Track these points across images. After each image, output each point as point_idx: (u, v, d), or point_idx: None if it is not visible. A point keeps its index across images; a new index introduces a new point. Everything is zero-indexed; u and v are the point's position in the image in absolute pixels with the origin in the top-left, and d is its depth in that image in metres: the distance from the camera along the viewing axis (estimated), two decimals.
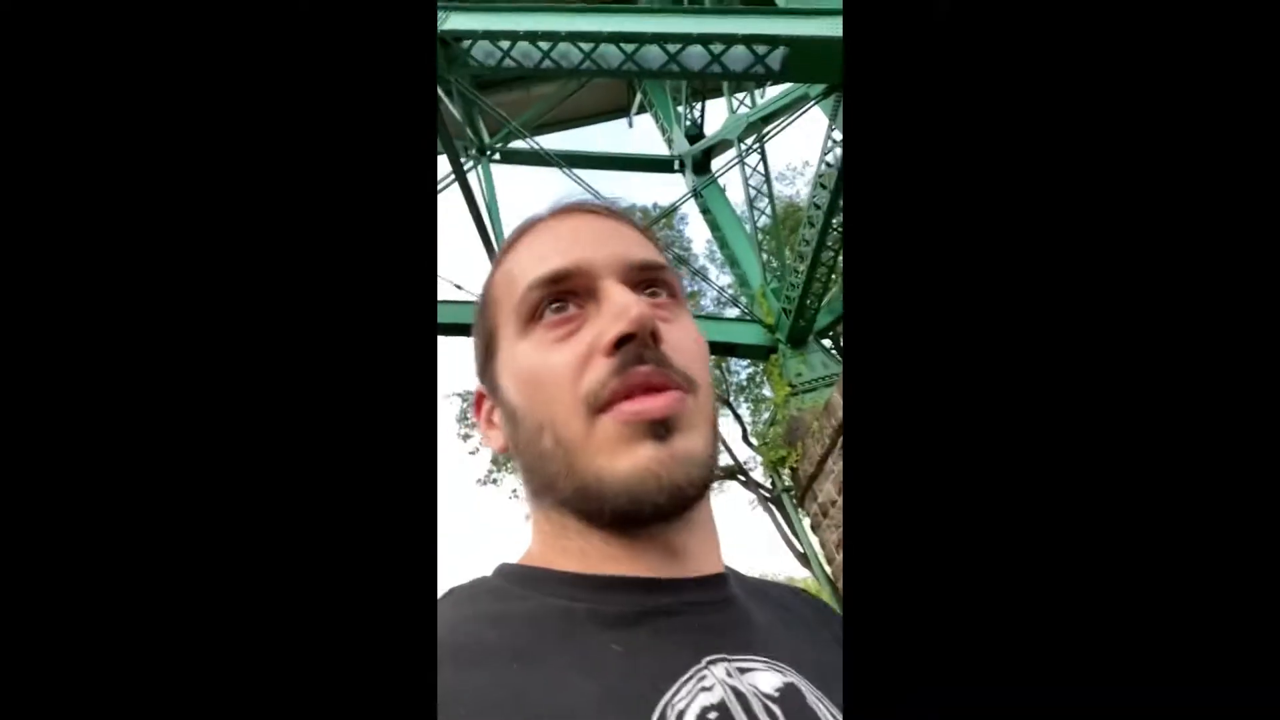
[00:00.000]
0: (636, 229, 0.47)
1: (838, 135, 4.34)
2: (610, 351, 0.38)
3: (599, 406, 0.38)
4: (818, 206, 4.64)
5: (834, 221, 4.59)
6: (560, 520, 0.41)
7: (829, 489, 4.28)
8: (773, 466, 5.66)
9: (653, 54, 3.73)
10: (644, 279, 0.44)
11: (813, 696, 0.35)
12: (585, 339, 0.40)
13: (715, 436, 0.41)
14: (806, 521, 5.43)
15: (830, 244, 4.78)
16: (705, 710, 0.32)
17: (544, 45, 3.84)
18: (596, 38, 3.74)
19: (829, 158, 4.31)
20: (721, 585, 0.41)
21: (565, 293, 0.41)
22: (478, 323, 0.47)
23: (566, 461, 0.38)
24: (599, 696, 0.31)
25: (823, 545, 5.01)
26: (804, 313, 5.43)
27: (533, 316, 0.42)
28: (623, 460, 0.37)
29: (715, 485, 0.47)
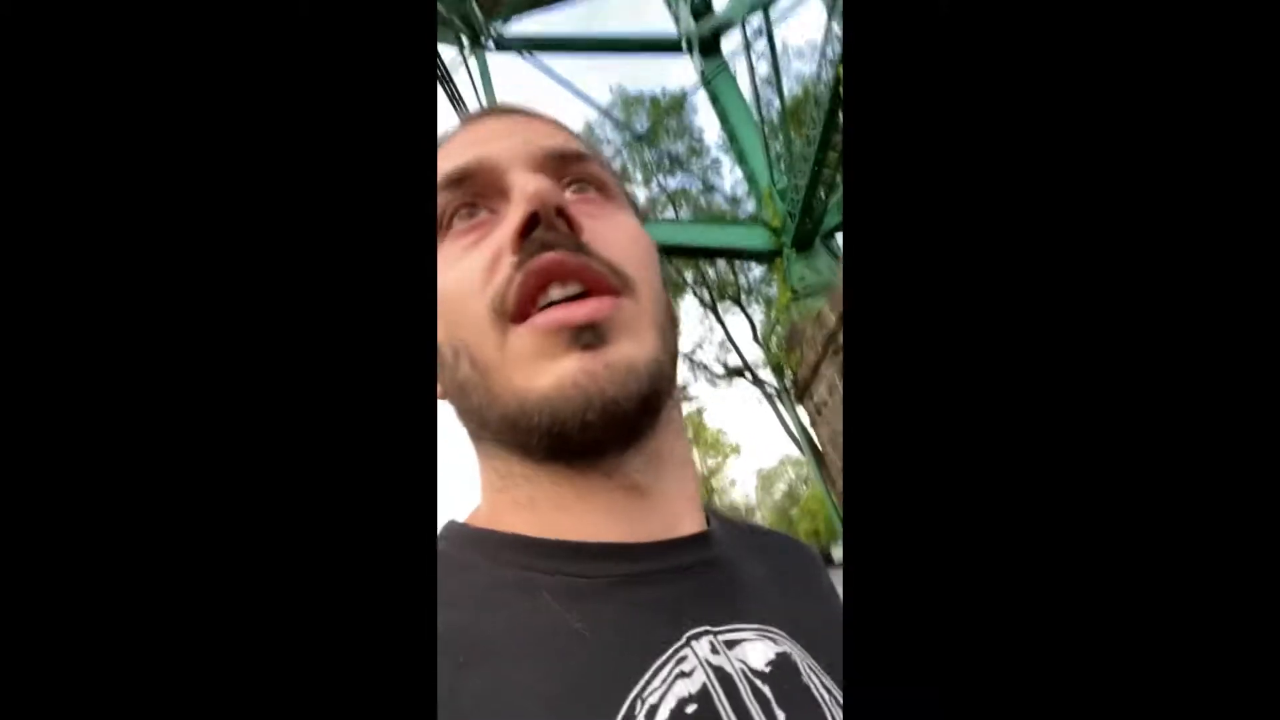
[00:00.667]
0: (558, 125, 0.41)
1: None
2: (516, 248, 0.33)
3: (510, 314, 0.32)
4: (818, 105, 4.36)
5: (840, 114, 4.33)
6: (505, 466, 0.35)
7: (822, 391, 4.38)
8: (774, 368, 5.76)
9: None
10: (565, 173, 0.37)
11: (807, 669, 0.31)
12: (493, 242, 0.34)
13: (666, 345, 0.35)
14: (806, 418, 5.57)
15: (838, 136, 4.53)
16: (682, 703, 0.27)
17: None
18: None
19: (835, 27, 3.95)
20: (705, 545, 0.35)
21: (473, 196, 0.36)
22: None
23: (485, 385, 0.33)
24: (556, 696, 0.27)
25: (817, 438, 5.19)
26: (811, 212, 5.25)
27: (442, 226, 0.36)
28: (543, 375, 0.31)
29: (685, 401, 0.36)
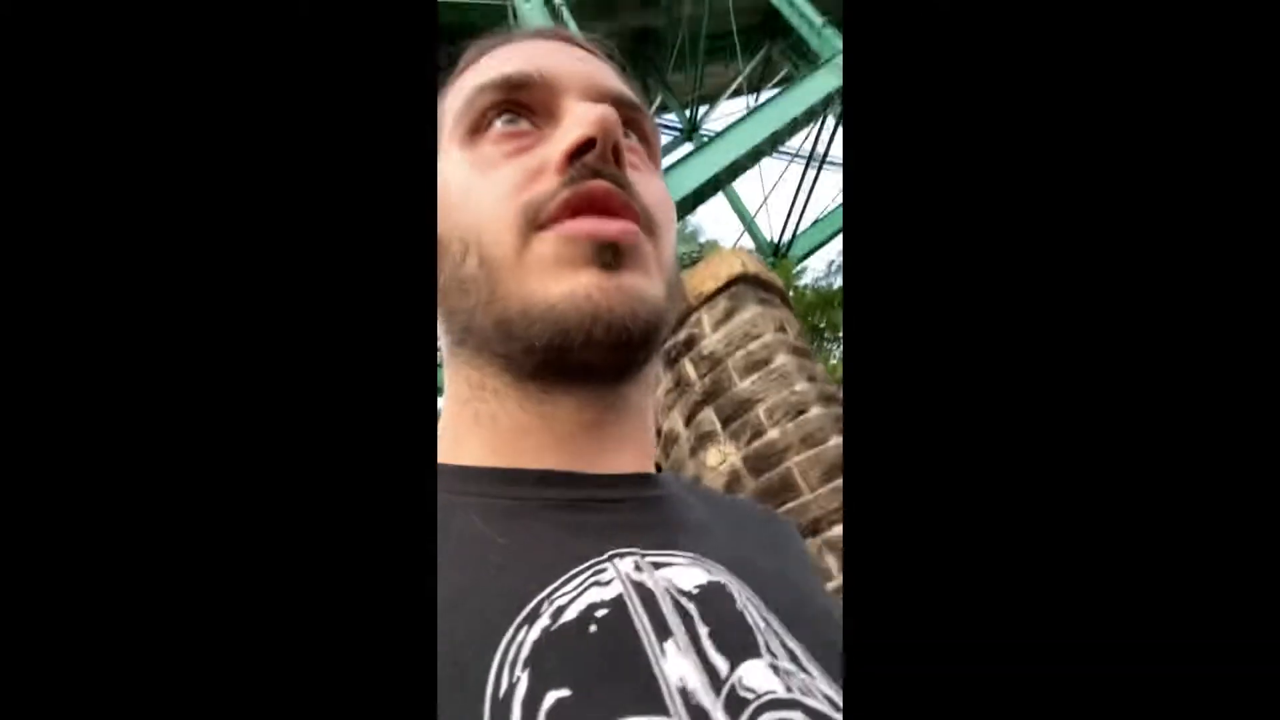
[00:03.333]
0: (617, 71, 0.40)
1: None
2: (564, 167, 0.32)
3: (540, 221, 0.31)
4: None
5: None
6: (477, 377, 0.34)
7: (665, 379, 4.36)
8: None
9: None
10: (621, 117, 0.34)
11: (744, 598, 0.28)
12: (537, 156, 0.33)
13: (670, 300, 0.34)
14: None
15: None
16: (593, 606, 0.26)
17: None
18: None
19: None
20: (647, 483, 0.34)
21: (521, 105, 0.34)
22: None
23: (490, 285, 0.32)
24: (461, 588, 0.25)
25: (673, 430, 5.23)
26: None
27: (478, 127, 0.35)
28: (558, 283, 0.30)
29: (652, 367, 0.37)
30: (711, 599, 0.27)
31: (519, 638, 0.24)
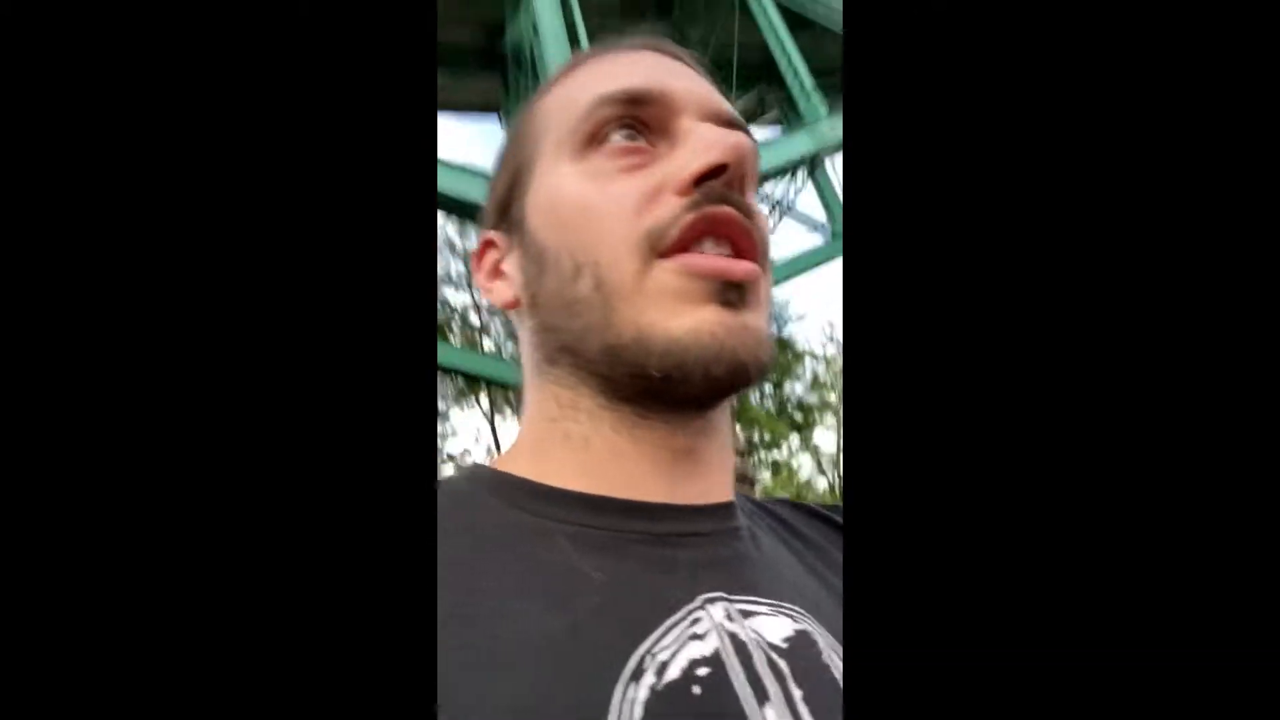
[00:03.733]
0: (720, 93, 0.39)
1: None
2: (688, 189, 0.32)
3: (663, 249, 0.31)
4: None
5: None
6: (570, 397, 0.34)
7: None
8: None
9: None
10: None
11: (828, 646, 0.30)
12: (655, 175, 0.33)
13: (770, 335, 0.34)
14: None
15: None
16: (694, 664, 0.26)
17: None
18: None
19: None
20: (730, 514, 0.35)
21: (639, 121, 0.34)
22: (503, 159, 0.40)
23: (605, 311, 0.32)
24: (563, 633, 0.26)
25: None
26: None
27: (592, 140, 0.34)
28: (680, 318, 0.31)
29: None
30: (800, 653, 0.28)
31: (629, 695, 0.25)
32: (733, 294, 0.31)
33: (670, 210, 0.31)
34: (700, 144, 0.32)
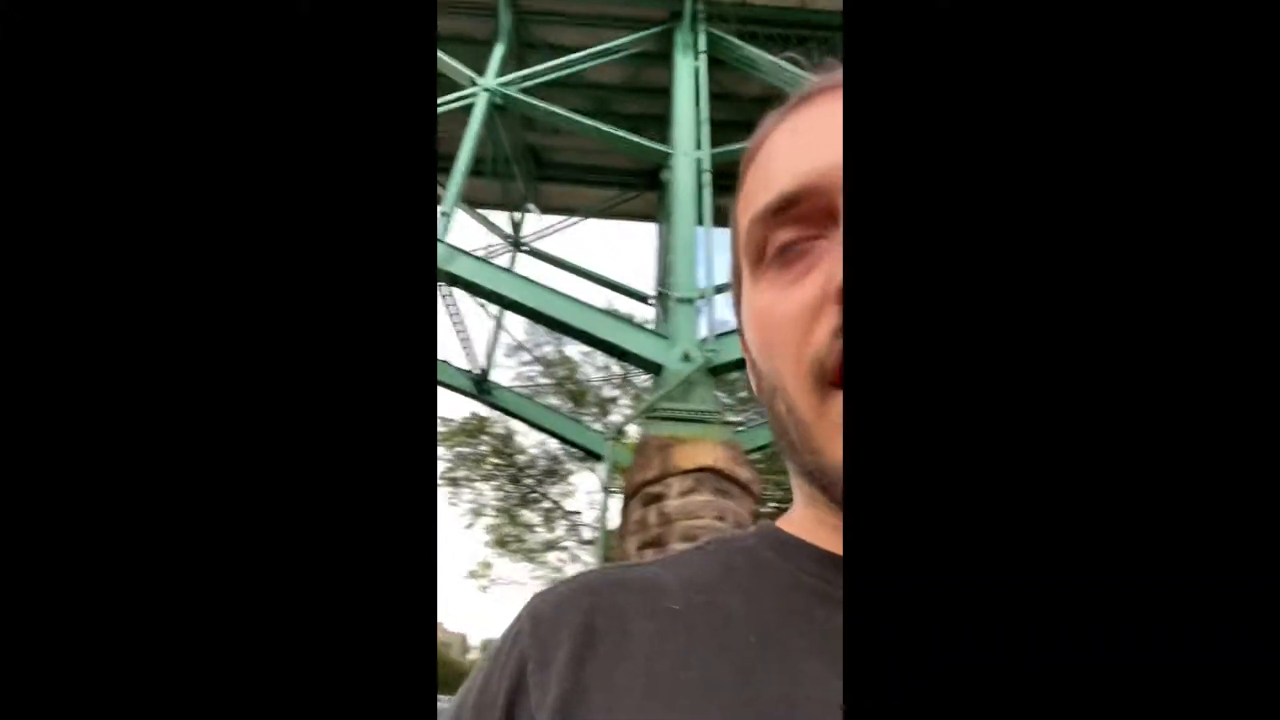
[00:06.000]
0: None
1: None
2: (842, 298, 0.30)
3: (829, 378, 0.30)
4: None
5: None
6: (808, 490, 0.35)
7: (639, 510, 4.57)
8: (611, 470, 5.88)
9: None
10: None
11: None
12: (819, 279, 0.31)
13: None
14: (616, 523, 5.59)
15: None
16: None
17: None
18: None
19: None
20: None
21: (795, 221, 0.33)
22: (730, 240, 0.40)
23: (798, 436, 0.32)
24: (823, 688, 0.27)
25: (622, 548, 5.25)
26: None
27: (760, 257, 0.34)
28: None
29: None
30: None
31: None
32: None
33: (825, 337, 0.30)
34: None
